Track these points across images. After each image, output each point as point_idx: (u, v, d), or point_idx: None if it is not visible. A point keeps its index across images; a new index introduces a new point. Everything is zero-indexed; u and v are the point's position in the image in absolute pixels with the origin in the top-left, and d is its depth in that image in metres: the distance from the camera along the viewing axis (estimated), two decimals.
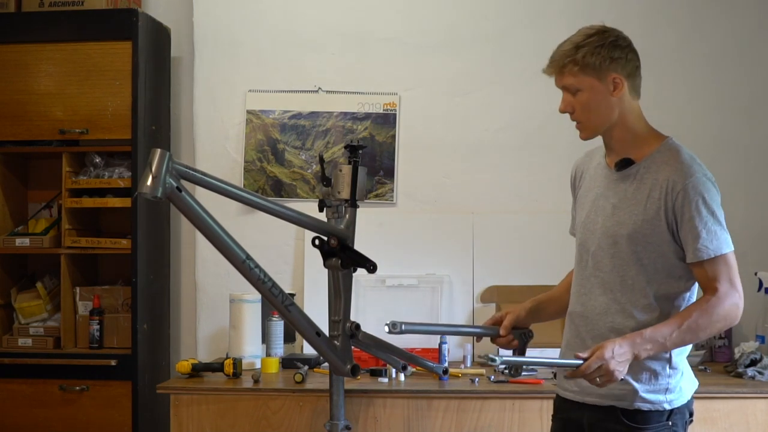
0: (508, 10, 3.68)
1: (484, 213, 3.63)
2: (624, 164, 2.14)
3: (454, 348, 3.38)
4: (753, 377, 3.00)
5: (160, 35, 3.73)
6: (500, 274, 3.56)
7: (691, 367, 3.19)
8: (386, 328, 2.10)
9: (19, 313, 3.60)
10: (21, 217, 3.79)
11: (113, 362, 3.42)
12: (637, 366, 2.03)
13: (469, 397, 2.90)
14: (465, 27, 3.69)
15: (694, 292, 2.12)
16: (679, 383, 2.09)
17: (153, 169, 1.98)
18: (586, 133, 2.15)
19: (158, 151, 2.01)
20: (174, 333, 3.82)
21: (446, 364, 3.04)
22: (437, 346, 3.15)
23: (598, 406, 2.12)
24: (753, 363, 3.08)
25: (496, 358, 1.92)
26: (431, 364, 2.83)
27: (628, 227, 2.08)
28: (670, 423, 2.07)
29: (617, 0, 3.65)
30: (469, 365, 3.26)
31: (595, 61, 2.08)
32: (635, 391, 2.06)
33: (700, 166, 2.08)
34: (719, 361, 3.40)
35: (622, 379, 1.98)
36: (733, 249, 2.04)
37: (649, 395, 2.06)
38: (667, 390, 2.07)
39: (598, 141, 2.24)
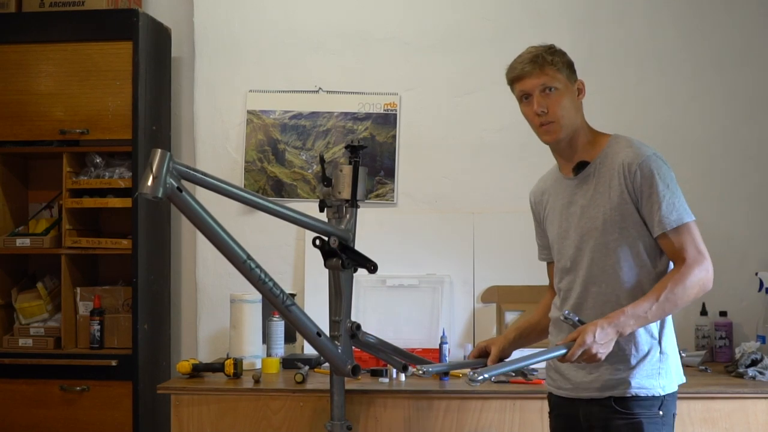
0: (509, 11, 3.68)
1: (485, 213, 3.63)
2: (581, 167, 2.25)
3: (455, 348, 3.38)
4: (754, 377, 2.99)
5: (161, 35, 3.73)
6: (501, 274, 3.56)
7: (692, 367, 3.23)
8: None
9: (20, 314, 3.60)
10: (21, 217, 3.79)
11: (114, 362, 3.42)
12: (627, 351, 2.13)
13: (470, 397, 2.90)
14: (465, 27, 3.69)
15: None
16: (669, 368, 2.17)
17: (153, 169, 1.98)
18: (556, 134, 2.23)
19: (159, 151, 2.01)
20: (174, 333, 3.82)
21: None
22: (438, 347, 3.15)
23: (593, 398, 2.18)
24: (754, 363, 3.08)
25: (475, 376, 1.95)
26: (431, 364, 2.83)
27: (600, 220, 2.18)
28: (661, 413, 2.14)
29: (618, 1, 3.65)
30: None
31: (566, 65, 2.24)
32: (627, 377, 2.13)
33: (648, 147, 2.20)
34: (720, 361, 3.40)
35: (618, 368, 2.11)
36: (694, 218, 2.14)
37: (643, 380, 2.13)
38: (659, 374, 2.15)
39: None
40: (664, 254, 2.17)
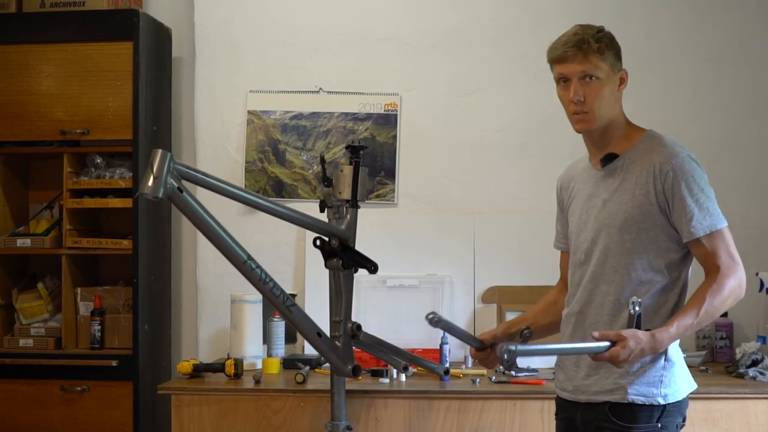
0: (509, 11, 3.68)
1: (485, 213, 3.63)
2: (609, 159, 2.17)
3: (455, 348, 3.38)
4: (754, 378, 3.00)
5: (161, 36, 3.73)
6: (501, 275, 3.56)
7: (693, 367, 3.22)
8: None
9: (20, 314, 3.60)
10: (22, 217, 3.79)
11: (114, 363, 3.42)
12: None
13: (471, 397, 2.90)
14: (466, 27, 3.69)
15: (689, 277, 2.13)
16: (675, 377, 2.08)
17: (154, 169, 1.98)
18: (589, 124, 2.13)
19: (159, 151, 2.01)
20: (175, 333, 3.82)
21: (447, 365, 3.03)
22: (438, 347, 3.15)
23: (591, 403, 2.11)
24: (754, 363, 3.08)
25: (512, 347, 1.85)
26: (432, 364, 2.84)
27: (620, 216, 2.11)
28: (659, 425, 2.05)
29: (618, 1, 3.65)
30: (470, 366, 3.26)
31: (613, 52, 2.13)
32: (627, 383, 2.05)
33: (682, 148, 2.12)
34: (720, 361, 3.40)
35: (618, 373, 2.04)
36: (727, 224, 2.07)
37: (643, 387, 2.05)
38: (661, 383, 2.06)
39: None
40: (682, 262, 2.09)
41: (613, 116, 2.15)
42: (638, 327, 1.98)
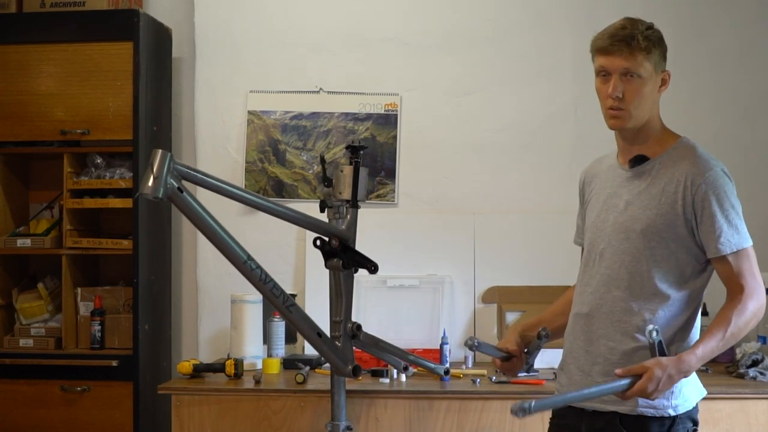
0: (509, 11, 3.68)
1: (486, 213, 3.63)
2: (638, 161, 2.12)
3: (455, 349, 3.38)
4: (754, 378, 2.99)
5: (161, 36, 3.73)
6: (502, 275, 3.56)
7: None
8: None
9: (21, 314, 3.60)
10: (22, 217, 3.79)
11: (114, 363, 3.42)
12: None
13: (471, 397, 2.90)
14: (466, 28, 3.69)
15: (703, 292, 2.09)
16: (684, 388, 2.04)
17: (154, 169, 1.98)
18: (623, 123, 2.07)
19: (159, 151, 2.01)
20: (175, 333, 3.82)
21: (447, 365, 3.04)
22: (438, 347, 3.15)
23: (597, 411, 2.06)
24: (755, 364, 3.08)
25: (525, 405, 1.76)
26: (432, 364, 2.84)
27: (642, 222, 2.05)
28: None
29: (619, 1, 3.65)
30: (470, 366, 3.26)
31: (659, 52, 2.09)
32: None
33: (717, 161, 2.06)
34: (721, 361, 3.39)
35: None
36: (752, 243, 2.03)
37: (652, 400, 1.98)
38: (671, 394, 2.01)
39: (605, 149, 2.23)
40: (698, 278, 2.05)
41: (649, 117, 2.10)
42: (662, 355, 1.94)
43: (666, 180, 2.05)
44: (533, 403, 1.76)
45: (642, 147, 2.12)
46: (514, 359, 2.25)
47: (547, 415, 2.29)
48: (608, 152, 2.27)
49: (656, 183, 2.06)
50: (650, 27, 2.08)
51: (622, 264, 2.07)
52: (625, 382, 1.89)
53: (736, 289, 2.00)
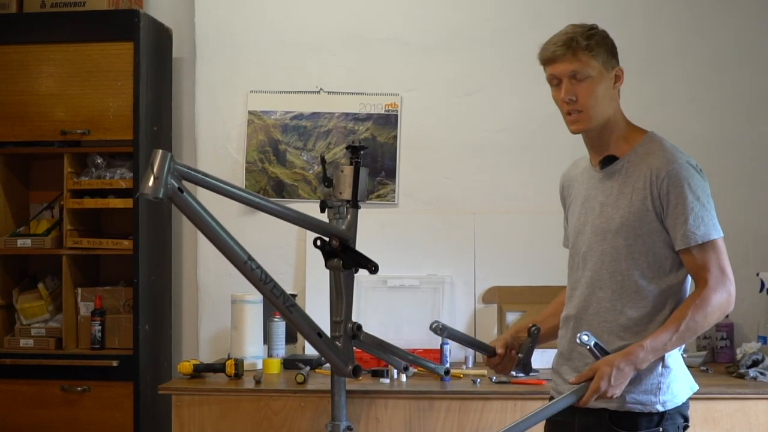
0: (510, 11, 3.68)
1: (486, 213, 3.63)
2: (608, 161, 2.13)
3: (456, 349, 3.37)
4: (755, 378, 2.99)
5: (162, 36, 3.73)
6: (502, 275, 3.56)
7: (693, 367, 3.22)
8: None
9: (21, 314, 3.60)
10: (22, 217, 3.79)
11: (115, 363, 3.43)
12: None
13: (471, 397, 2.90)
14: (466, 28, 3.69)
15: (687, 286, 2.10)
16: (672, 384, 2.06)
17: (154, 169, 1.98)
18: (584, 125, 2.10)
19: (160, 151, 2.01)
20: (175, 334, 3.82)
21: (448, 365, 3.03)
22: (439, 347, 3.15)
23: (589, 408, 2.06)
24: (755, 364, 3.08)
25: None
26: (433, 365, 2.83)
27: (617, 222, 2.07)
28: (660, 429, 2.03)
29: (619, 1, 3.65)
30: (470, 366, 3.26)
31: (605, 50, 2.08)
32: (626, 391, 2.01)
33: (682, 153, 2.07)
34: (721, 361, 3.40)
35: None
36: (722, 235, 2.02)
37: (639, 395, 2.03)
38: (659, 390, 2.03)
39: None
40: (679, 269, 2.05)
41: (609, 115, 2.10)
42: (604, 354, 1.99)
43: (635, 177, 2.07)
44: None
45: (609, 147, 2.14)
46: (501, 357, 2.26)
47: None
48: (585, 155, 2.28)
49: (627, 182, 2.08)
50: (592, 28, 2.11)
51: (602, 265, 2.10)
52: (576, 388, 1.94)
53: (700, 283, 2.01)
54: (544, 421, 2.24)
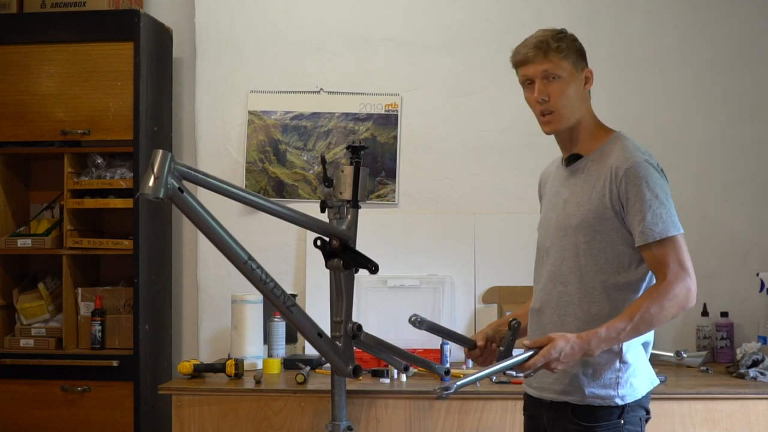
0: (510, 11, 3.68)
1: (486, 214, 3.63)
2: (572, 159, 2.20)
3: (456, 349, 3.37)
4: (755, 378, 3.00)
5: (162, 36, 3.73)
6: (502, 275, 3.56)
7: (693, 368, 3.22)
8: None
9: (21, 314, 3.60)
10: (23, 217, 3.80)
11: (115, 363, 3.43)
12: (585, 360, 2.05)
13: (471, 398, 2.90)
14: (467, 28, 3.69)
15: (647, 282, 2.11)
16: (631, 378, 2.09)
17: (155, 169, 1.98)
18: (556, 125, 2.16)
19: (160, 151, 2.00)
20: (176, 334, 3.82)
21: (448, 365, 3.03)
22: (439, 347, 3.15)
23: (554, 402, 2.13)
24: (755, 364, 3.08)
25: (440, 391, 1.88)
26: (433, 365, 2.83)
27: (577, 218, 2.12)
28: (622, 421, 2.07)
29: (619, 1, 3.65)
30: (470, 366, 3.26)
31: (574, 52, 2.15)
32: (583, 385, 2.07)
33: (643, 153, 2.11)
34: (721, 361, 3.40)
35: (575, 374, 2.06)
36: (681, 231, 2.05)
37: (599, 390, 2.07)
38: (617, 384, 2.08)
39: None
40: (639, 265, 2.08)
41: (580, 116, 2.16)
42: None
43: (596, 175, 2.12)
44: (455, 384, 1.88)
45: (577, 146, 2.20)
46: (481, 350, 2.28)
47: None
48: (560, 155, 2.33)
49: (588, 179, 2.14)
50: (562, 31, 2.17)
51: (563, 260, 2.14)
52: (528, 353, 1.97)
53: (659, 278, 2.04)
54: (524, 416, 2.32)
